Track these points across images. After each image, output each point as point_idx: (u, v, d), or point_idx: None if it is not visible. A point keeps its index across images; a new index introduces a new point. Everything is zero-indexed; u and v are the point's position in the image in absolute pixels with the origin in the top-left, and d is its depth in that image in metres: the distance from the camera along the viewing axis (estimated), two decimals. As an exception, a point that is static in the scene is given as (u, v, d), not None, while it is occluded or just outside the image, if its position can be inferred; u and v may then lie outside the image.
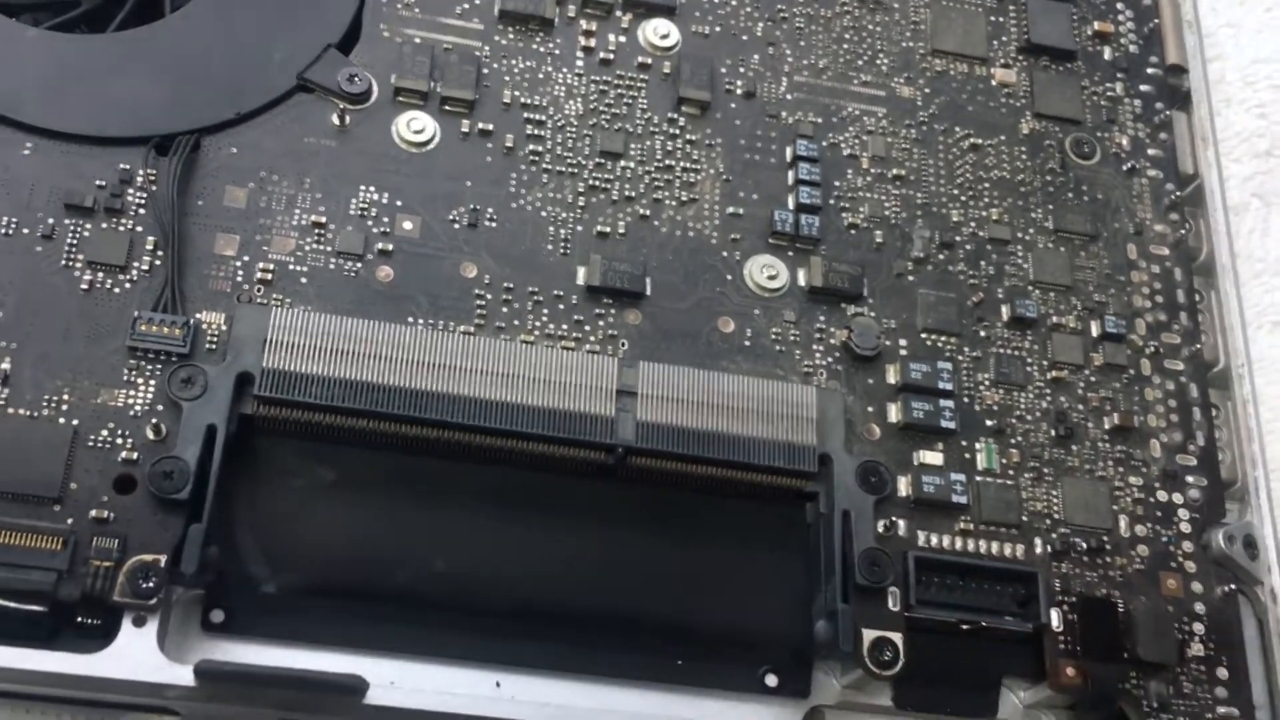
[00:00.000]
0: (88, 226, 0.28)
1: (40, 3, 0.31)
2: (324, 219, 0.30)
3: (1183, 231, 0.35)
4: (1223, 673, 0.29)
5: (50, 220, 0.28)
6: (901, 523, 0.29)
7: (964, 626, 0.29)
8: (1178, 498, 0.31)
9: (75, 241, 0.28)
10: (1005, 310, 0.32)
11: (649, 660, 0.28)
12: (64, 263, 0.28)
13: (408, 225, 0.30)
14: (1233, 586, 0.30)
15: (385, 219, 0.30)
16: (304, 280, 0.29)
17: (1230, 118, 0.42)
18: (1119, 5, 0.38)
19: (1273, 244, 0.40)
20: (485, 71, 0.32)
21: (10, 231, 0.28)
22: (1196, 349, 0.33)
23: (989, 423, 0.31)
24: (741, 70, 0.34)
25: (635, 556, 0.29)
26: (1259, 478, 0.32)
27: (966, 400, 0.31)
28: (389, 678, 0.27)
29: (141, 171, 0.29)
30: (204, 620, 0.27)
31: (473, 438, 0.28)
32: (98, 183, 0.29)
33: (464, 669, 0.27)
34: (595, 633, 0.28)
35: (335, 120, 0.31)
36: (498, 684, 0.27)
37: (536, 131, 0.32)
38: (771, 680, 0.29)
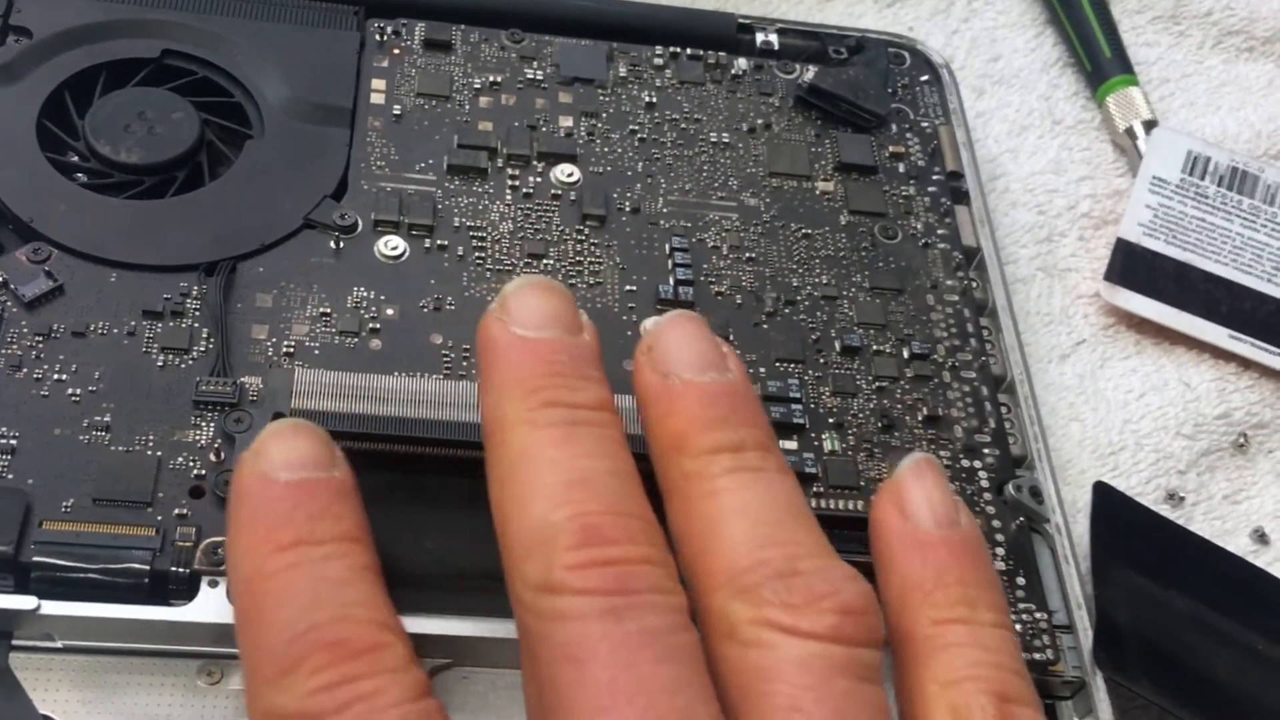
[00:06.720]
0: (159, 325, 0.39)
1: (117, 184, 0.43)
2: (329, 310, 0.41)
3: (970, 284, 0.46)
4: (1020, 580, 0.39)
5: (132, 323, 0.39)
6: (769, 491, 0.39)
7: (824, 563, 0.39)
8: (977, 464, 0.42)
9: (151, 336, 0.39)
10: (837, 344, 0.44)
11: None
12: (144, 350, 0.39)
13: (390, 311, 0.41)
14: (1023, 519, 0.41)
15: (374, 309, 0.41)
16: (316, 352, 0.40)
17: (1016, 217, 0.55)
18: (908, 135, 0.51)
19: (1056, 301, 0.52)
20: (439, 206, 0.44)
21: (105, 332, 0.39)
22: (984, 361, 0.44)
23: (830, 420, 0.42)
24: (629, 195, 0.46)
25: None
26: (1040, 449, 0.43)
27: (812, 406, 0.42)
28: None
29: (195, 288, 0.40)
30: (257, 593, 0.36)
31: (447, 451, 0.38)
32: (164, 296, 0.40)
33: (443, 619, 0.36)
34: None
35: (332, 245, 0.43)
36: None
37: (480, 244, 0.44)
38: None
